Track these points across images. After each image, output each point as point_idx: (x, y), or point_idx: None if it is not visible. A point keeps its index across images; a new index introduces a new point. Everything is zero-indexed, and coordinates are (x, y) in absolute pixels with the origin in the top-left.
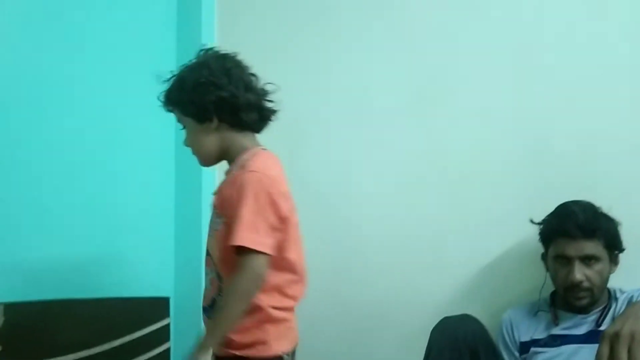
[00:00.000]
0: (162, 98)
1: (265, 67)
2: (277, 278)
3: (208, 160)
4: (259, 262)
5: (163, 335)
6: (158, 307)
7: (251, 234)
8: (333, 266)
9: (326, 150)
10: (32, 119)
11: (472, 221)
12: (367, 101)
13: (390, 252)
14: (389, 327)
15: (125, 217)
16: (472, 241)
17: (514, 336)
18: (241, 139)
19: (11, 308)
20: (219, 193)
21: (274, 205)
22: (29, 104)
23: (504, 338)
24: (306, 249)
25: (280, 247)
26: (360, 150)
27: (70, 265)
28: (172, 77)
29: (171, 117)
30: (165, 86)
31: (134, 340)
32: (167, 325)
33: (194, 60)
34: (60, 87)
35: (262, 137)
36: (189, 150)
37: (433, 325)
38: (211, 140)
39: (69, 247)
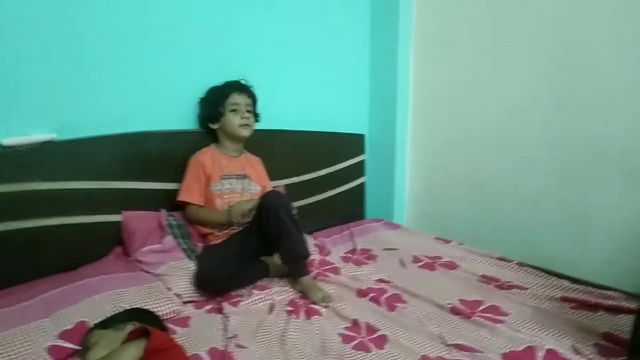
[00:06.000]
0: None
1: None
2: None
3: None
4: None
5: (359, 169)
6: (355, 142)
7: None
8: None
9: None
10: None
11: None
12: None
13: None
14: None
15: (325, 69)
16: None
17: None
18: None
19: None
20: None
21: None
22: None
23: None
24: None
25: None
26: None
27: (285, 102)
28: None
29: None
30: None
31: (334, 172)
32: (363, 161)
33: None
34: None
35: None
36: None
37: None
38: None
39: (285, 89)
